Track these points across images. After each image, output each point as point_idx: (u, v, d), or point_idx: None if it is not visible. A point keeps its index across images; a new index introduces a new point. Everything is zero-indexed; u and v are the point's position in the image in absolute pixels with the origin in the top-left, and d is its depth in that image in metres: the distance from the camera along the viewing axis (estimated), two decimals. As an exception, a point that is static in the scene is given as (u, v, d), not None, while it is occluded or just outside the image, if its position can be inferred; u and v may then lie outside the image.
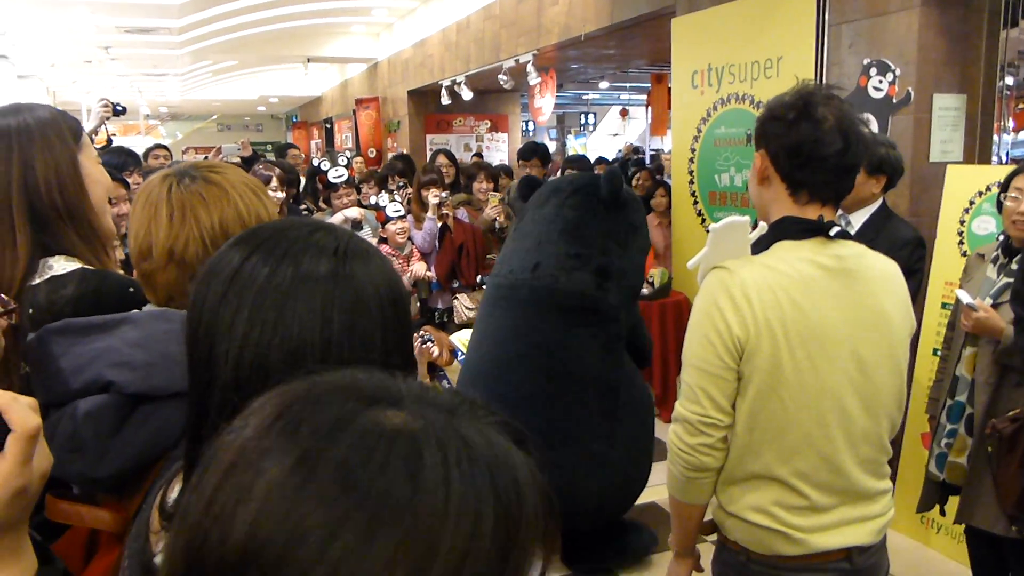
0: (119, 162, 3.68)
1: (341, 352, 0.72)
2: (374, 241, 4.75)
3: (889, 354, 1.52)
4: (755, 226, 1.56)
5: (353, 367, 0.70)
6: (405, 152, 7.51)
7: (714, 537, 1.67)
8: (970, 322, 2.48)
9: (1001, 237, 2.92)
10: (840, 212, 2.79)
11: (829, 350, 1.45)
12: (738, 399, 1.47)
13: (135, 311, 1.15)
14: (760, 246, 1.53)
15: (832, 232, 1.48)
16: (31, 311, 1.21)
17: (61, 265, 1.28)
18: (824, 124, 1.45)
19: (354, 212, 4.73)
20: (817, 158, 1.46)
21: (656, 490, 3.09)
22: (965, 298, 2.50)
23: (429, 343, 3.87)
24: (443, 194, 4.68)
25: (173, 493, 0.82)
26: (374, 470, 0.43)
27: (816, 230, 1.49)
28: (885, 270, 1.57)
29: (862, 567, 1.52)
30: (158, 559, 0.80)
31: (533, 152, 5.50)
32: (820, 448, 1.47)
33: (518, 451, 0.48)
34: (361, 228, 4.75)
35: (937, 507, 2.85)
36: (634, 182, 6.25)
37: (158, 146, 5.98)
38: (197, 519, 0.45)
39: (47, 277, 1.26)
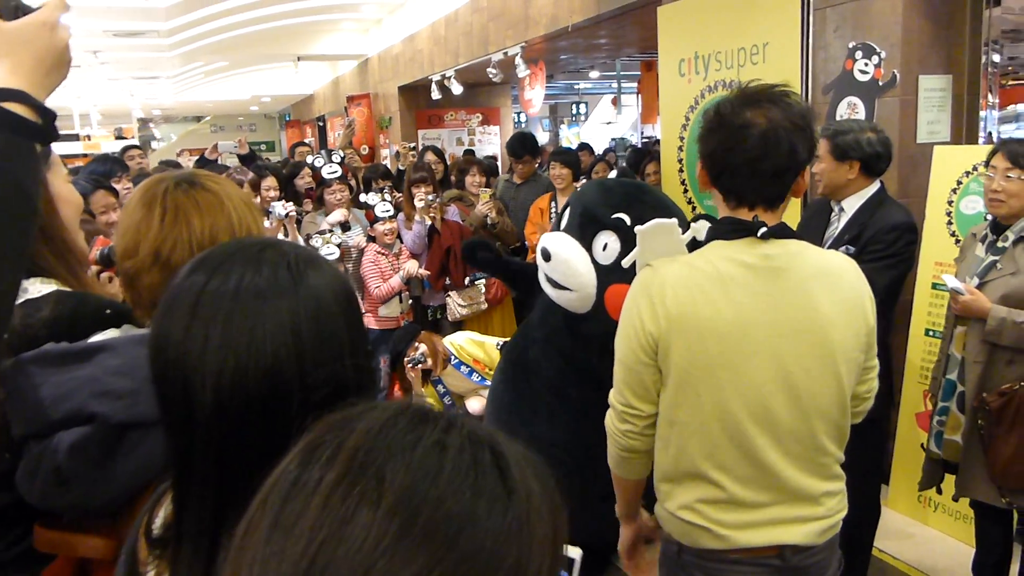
0: (106, 169, 3.69)
1: (315, 359, 0.73)
2: (363, 240, 4.77)
3: (822, 355, 1.49)
4: (687, 227, 1.62)
5: (326, 370, 0.74)
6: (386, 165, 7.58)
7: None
8: (958, 306, 2.50)
9: (991, 216, 2.93)
10: (832, 200, 2.79)
11: (747, 347, 1.46)
12: (661, 392, 1.55)
13: (113, 337, 1.13)
14: (699, 245, 1.59)
15: (760, 232, 1.47)
16: (5, 336, 1.20)
17: (36, 287, 1.24)
18: (746, 130, 1.45)
19: (338, 215, 4.74)
20: (731, 166, 1.49)
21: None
22: (951, 282, 2.52)
23: (419, 365, 3.90)
24: (431, 196, 4.68)
25: (158, 519, 0.82)
26: (467, 501, 0.47)
27: (745, 230, 1.49)
28: (826, 267, 1.53)
29: (797, 566, 1.53)
30: None
31: (523, 148, 5.48)
32: (740, 443, 1.49)
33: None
34: (349, 228, 4.75)
35: (935, 486, 2.87)
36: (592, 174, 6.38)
37: (132, 147, 6.02)
38: None
39: (22, 300, 1.22)
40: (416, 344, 3.97)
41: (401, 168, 6.42)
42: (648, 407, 1.55)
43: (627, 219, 2.69)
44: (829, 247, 2.73)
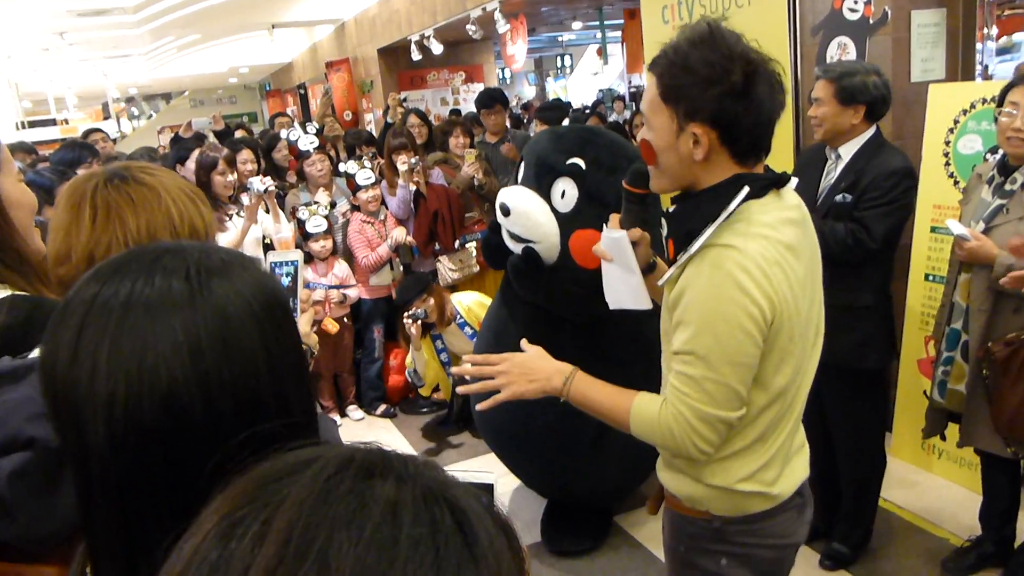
0: (74, 157, 3.55)
1: (222, 382, 0.63)
2: (346, 207, 4.66)
3: (821, 288, 1.51)
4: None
5: (239, 394, 0.65)
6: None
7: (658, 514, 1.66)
8: (963, 253, 2.40)
9: (991, 156, 2.81)
10: (828, 146, 2.68)
11: (807, 309, 1.41)
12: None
13: None
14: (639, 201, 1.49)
15: (794, 183, 1.41)
16: None
17: None
18: (771, 77, 1.32)
19: (324, 198, 4.63)
20: (775, 121, 1.35)
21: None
22: (956, 228, 2.40)
23: (419, 320, 3.83)
24: (412, 160, 4.56)
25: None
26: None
27: (772, 183, 1.38)
28: None
29: (808, 497, 1.57)
30: None
31: (493, 100, 5.33)
32: (798, 401, 1.47)
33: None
34: (335, 206, 4.65)
35: (938, 434, 2.82)
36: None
37: (94, 130, 5.89)
38: None
39: None
40: (425, 296, 3.92)
41: (390, 121, 6.26)
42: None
43: (582, 164, 2.65)
44: (825, 196, 2.63)
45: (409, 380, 4.09)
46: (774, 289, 1.30)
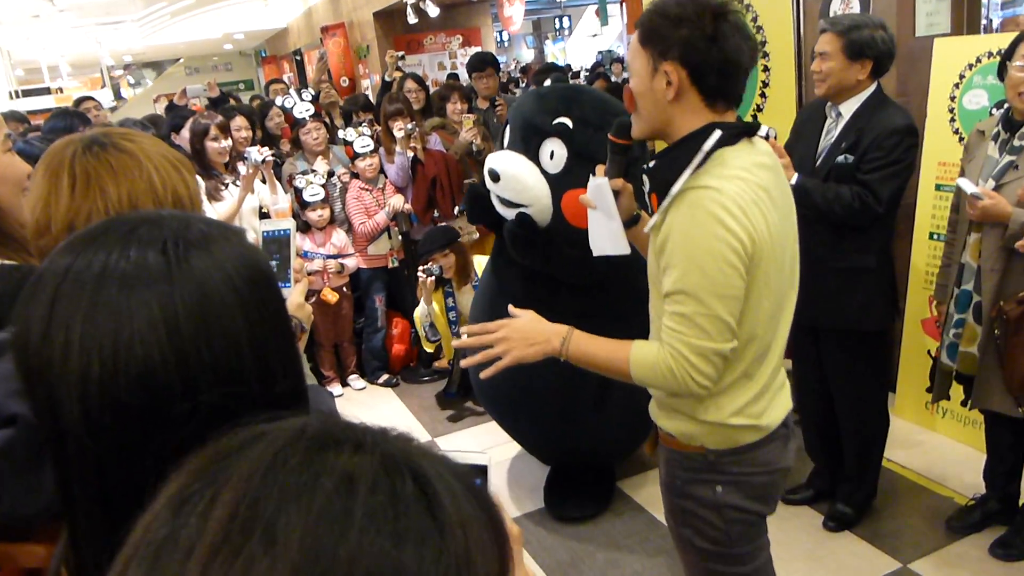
0: (65, 125, 3.49)
1: (201, 359, 0.61)
2: (345, 174, 4.61)
3: (795, 229, 1.58)
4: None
5: (220, 371, 0.62)
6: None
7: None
8: (976, 211, 2.34)
9: (996, 111, 2.75)
10: (829, 104, 2.62)
11: (782, 247, 1.49)
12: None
13: None
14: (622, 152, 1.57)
15: (767, 132, 1.51)
16: None
17: None
18: (740, 24, 1.41)
19: (323, 167, 4.56)
20: (743, 67, 1.44)
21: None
22: (968, 188, 2.34)
23: (433, 277, 3.83)
24: (409, 125, 4.49)
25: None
26: (390, 552, 0.38)
27: (744, 132, 1.46)
28: None
29: (791, 428, 1.67)
30: None
31: (484, 63, 5.26)
32: (777, 335, 1.55)
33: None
34: (332, 175, 4.60)
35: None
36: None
37: (86, 98, 5.80)
38: None
39: None
40: (447, 252, 3.91)
41: (387, 80, 6.17)
42: None
43: (569, 123, 2.62)
44: (826, 156, 2.57)
45: (424, 334, 4.09)
46: (752, 225, 1.38)
